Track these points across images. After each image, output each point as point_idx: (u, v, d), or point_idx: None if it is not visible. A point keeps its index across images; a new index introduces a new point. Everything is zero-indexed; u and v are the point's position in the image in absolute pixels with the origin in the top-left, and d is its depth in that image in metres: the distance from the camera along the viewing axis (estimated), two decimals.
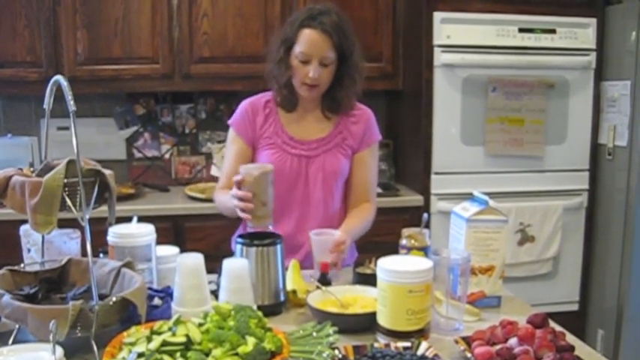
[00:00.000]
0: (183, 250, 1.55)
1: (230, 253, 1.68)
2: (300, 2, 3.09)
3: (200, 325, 1.20)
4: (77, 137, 1.21)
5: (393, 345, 1.29)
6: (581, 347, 1.34)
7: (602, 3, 3.14)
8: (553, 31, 3.07)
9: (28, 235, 1.61)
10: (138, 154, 3.48)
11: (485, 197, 1.61)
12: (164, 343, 1.13)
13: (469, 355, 1.25)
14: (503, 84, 3.06)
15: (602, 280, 3.24)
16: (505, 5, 3.04)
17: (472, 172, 3.10)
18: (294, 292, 1.62)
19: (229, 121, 2.04)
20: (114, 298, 1.26)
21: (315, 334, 1.34)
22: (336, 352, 1.25)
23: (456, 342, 1.32)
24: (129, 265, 1.44)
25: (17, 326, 1.30)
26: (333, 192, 1.99)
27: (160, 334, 1.17)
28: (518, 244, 3.12)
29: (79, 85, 2.94)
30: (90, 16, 3.01)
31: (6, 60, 3.00)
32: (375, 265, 1.47)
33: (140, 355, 1.11)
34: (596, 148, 3.22)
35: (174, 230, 2.92)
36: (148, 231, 1.58)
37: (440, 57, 3.00)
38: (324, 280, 1.69)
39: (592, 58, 3.12)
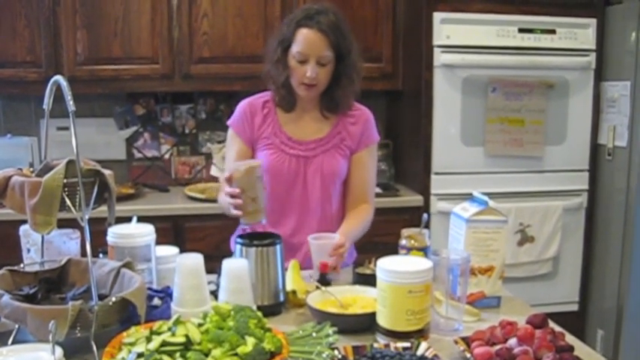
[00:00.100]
0: (182, 251, 1.55)
1: (230, 254, 1.68)
2: (300, 2, 3.08)
3: (199, 325, 1.20)
4: (77, 137, 1.21)
5: (392, 345, 1.29)
6: (580, 347, 1.34)
7: (602, 3, 3.14)
8: (553, 32, 3.07)
9: (28, 235, 1.61)
10: (138, 155, 3.48)
11: (485, 197, 1.61)
12: (163, 344, 1.13)
13: (468, 355, 1.25)
14: (503, 84, 3.06)
15: (602, 281, 3.24)
16: (505, 6, 3.04)
17: (472, 172, 3.10)
18: (293, 292, 1.62)
19: (228, 122, 2.04)
20: (113, 299, 1.26)
21: (314, 334, 1.34)
22: (336, 352, 1.25)
23: (456, 342, 1.32)
24: (128, 265, 1.44)
25: (17, 326, 1.30)
26: (331, 193, 1.99)
27: (159, 334, 1.17)
28: (518, 244, 3.11)
29: (79, 85, 2.94)
30: (90, 16, 3.01)
31: (6, 60, 3.00)
32: (375, 265, 1.47)
33: (140, 355, 1.12)
34: (595, 149, 3.22)
35: (174, 230, 2.92)
36: (147, 231, 1.58)
37: (440, 57, 3.00)
38: (324, 281, 1.69)
39: (592, 58, 3.12)
